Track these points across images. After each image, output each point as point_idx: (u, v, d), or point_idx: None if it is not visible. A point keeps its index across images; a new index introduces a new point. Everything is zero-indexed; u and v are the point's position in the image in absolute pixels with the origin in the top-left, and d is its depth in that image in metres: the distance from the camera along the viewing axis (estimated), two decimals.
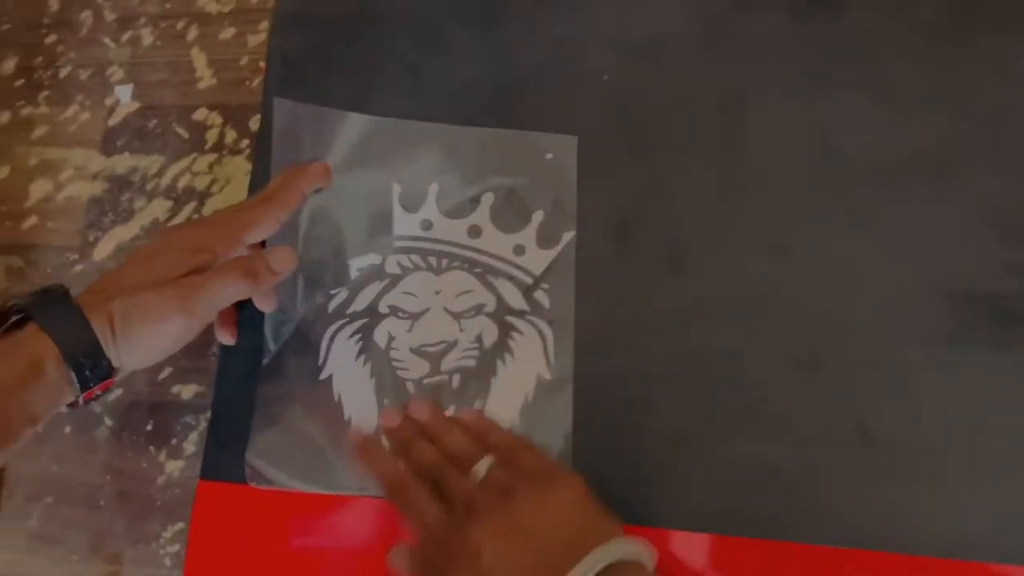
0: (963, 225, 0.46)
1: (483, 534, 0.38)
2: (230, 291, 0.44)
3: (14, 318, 0.41)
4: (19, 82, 0.61)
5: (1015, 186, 0.46)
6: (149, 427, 0.52)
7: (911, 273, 0.46)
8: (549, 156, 0.51)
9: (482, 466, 0.42)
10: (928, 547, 0.42)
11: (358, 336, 0.50)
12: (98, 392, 0.43)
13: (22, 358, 0.40)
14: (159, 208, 0.56)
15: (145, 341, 0.43)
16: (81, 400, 0.43)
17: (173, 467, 0.52)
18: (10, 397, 0.40)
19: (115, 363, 0.43)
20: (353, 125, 0.52)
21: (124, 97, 0.59)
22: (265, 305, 0.50)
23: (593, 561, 0.36)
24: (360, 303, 0.51)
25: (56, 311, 0.41)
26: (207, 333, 0.49)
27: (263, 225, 0.47)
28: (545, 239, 0.50)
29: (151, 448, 0.52)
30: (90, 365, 0.41)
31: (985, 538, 0.42)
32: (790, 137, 0.48)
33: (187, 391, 0.53)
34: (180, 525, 0.50)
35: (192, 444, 0.52)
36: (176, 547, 0.50)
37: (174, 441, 0.52)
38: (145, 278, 0.43)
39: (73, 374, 0.41)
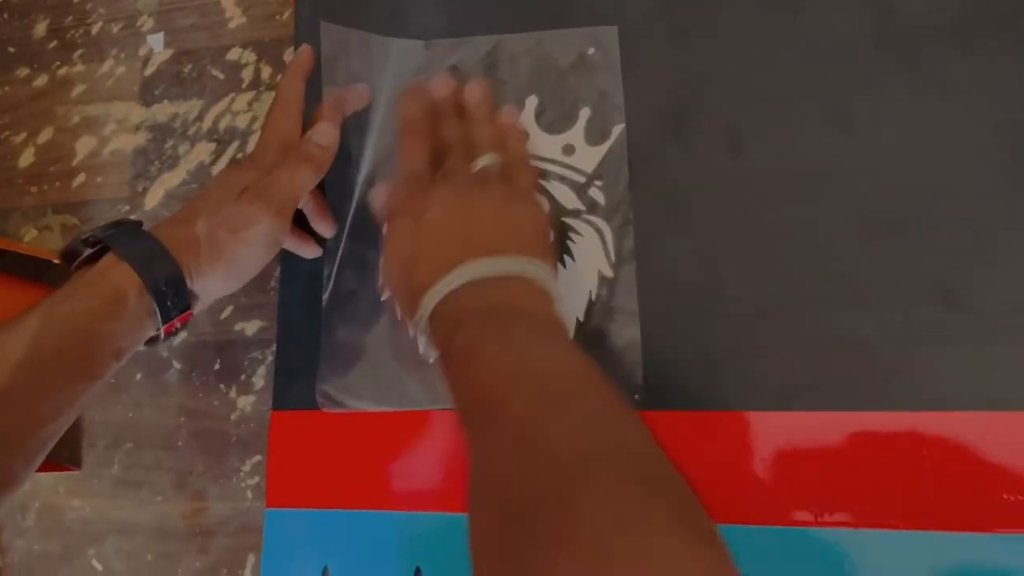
0: None
1: (440, 196, 0.42)
2: (300, 178, 0.45)
3: (89, 250, 0.41)
4: (52, 44, 0.61)
5: None
6: (217, 366, 0.53)
7: (982, 130, 0.44)
8: (591, 51, 0.50)
9: (484, 159, 0.45)
10: (1019, 403, 0.40)
11: None
12: (178, 325, 0.42)
13: (104, 288, 0.39)
14: (203, 151, 0.56)
15: (238, 253, 0.43)
16: (162, 333, 0.42)
17: (245, 402, 0.52)
18: (95, 329, 0.39)
19: (197, 290, 0.42)
20: (400, 51, 0.52)
21: (157, 46, 0.59)
22: (324, 229, 0.49)
23: (508, 262, 0.39)
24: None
25: (134, 241, 0.41)
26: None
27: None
28: (594, 135, 0.49)
29: (221, 386, 0.53)
30: (172, 294, 0.41)
31: None
32: (844, 1, 0.46)
33: (251, 327, 0.53)
34: (257, 458, 0.51)
35: (261, 378, 0.52)
36: (256, 479, 0.51)
37: (243, 377, 0.52)
38: (218, 196, 0.43)
39: (155, 304, 0.40)
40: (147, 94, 0.58)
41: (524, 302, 0.39)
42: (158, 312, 0.41)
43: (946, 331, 0.42)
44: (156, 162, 0.57)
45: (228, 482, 0.51)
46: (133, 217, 0.55)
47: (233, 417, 0.52)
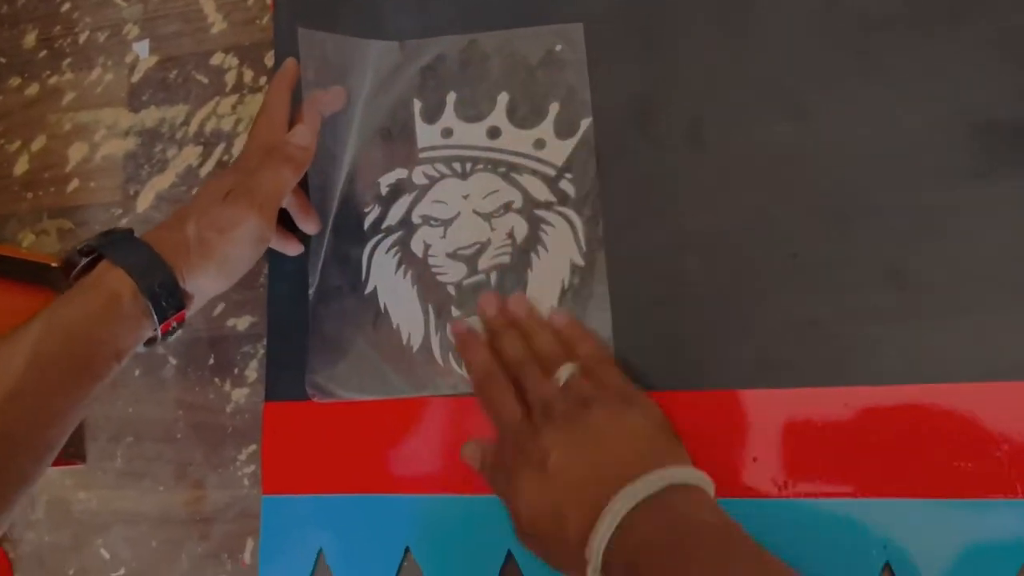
0: (976, 58, 0.45)
1: (554, 438, 0.40)
2: (282, 178, 0.46)
3: (84, 260, 0.43)
4: (42, 53, 0.63)
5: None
6: (211, 361, 0.55)
7: (929, 113, 0.45)
8: (558, 47, 0.51)
9: (564, 372, 0.43)
10: (968, 374, 0.42)
11: (396, 248, 0.52)
12: (174, 324, 0.44)
13: (100, 293, 0.41)
14: (191, 154, 0.58)
15: (227, 252, 0.44)
16: (159, 333, 0.44)
17: (239, 395, 0.54)
18: (94, 332, 0.40)
19: (190, 290, 0.44)
20: (376, 52, 0.53)
21: (143, 53, 0.61)
22: (309, 227, 0.52)
23: (656, 478, 0.37)
24: (393, 217, 0.52)
25: (126, 247, 0.43)
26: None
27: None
28: (563, 130, 0.51)
29: (216, 380, 0.55)
30: (165, 295, 0.42)
31: (1018, 358, 0.42)
32: None
33: (242, 323, 0.55)
34: (253, 447, 0.53)
35: (253, 371, 0.54)
36: (252, 467, 0.53)
37: (236, 371, 0.55)
38: (205, 201, 0.45)
39: (150, 305, 0.42)
40: (135, 100, 0.60)
41: (696, 512, 0.37)
42: (154, 313, 0.42)
43: (895, 310, 0.44)
44: (146, 166, 0.59)
45: (226, 471, 0.54)
46: (125, 221, 0.58)
47: (228, 409, 0.54)
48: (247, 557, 0.52)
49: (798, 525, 0.43)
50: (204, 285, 0.45)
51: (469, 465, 0.46)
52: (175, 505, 0.54)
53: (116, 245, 0.43)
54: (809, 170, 0.46)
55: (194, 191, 0.58)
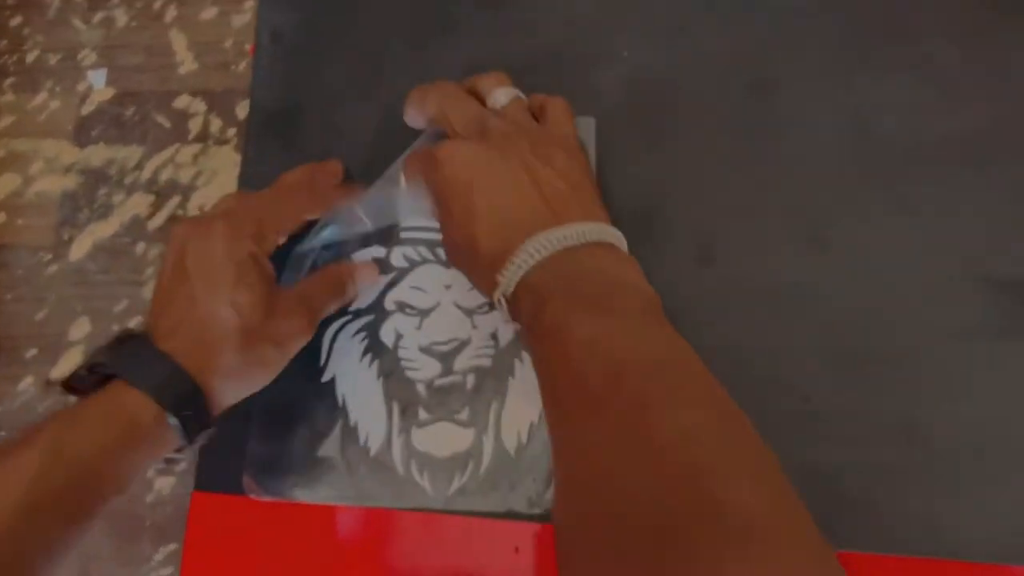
0: (1008, 212, 0.43)
1: (486, 155, 0.39)
2: (334, 301, 0.44)
3: (94, 380, 0.37)
4: None
5: None
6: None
7: (955, 262, 0.43)
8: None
9: (500, 93, 0.43)
10: (986, 553, 0.39)
11: (363, 334, 0.47)
12: (201, 439, 0.39)
13: (118, 420, 0.36)
14: (140, 203, 0.52)
15: (274, 367, 0.41)
16: (187, 445, 0.39)
17: (163, 484, 0.48)
18: (107, 468, 0.35)
19: (219, 405, 0.39)
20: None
21: (98, 83, 0.55)
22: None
23: (575, 232, 0.36)
24: (364, 299, 0.47)
25: (147, 365, 0.37)
26: None
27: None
28: None
29: None
30: (194, 418, 0.37)
31: None
32: (824, 120, 0.45)
33: None
34: (173, 546, 0.47)
35: (184, 460, 0.48)
36: (169, 570, 0.46)
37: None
38: (243, 295, 0.39)
39: (178, 425, 0.37)
40: (82, 134, 0.54)
41: (617, 271, 0.37)
42: (181, 431, 0.37)
43: (912, 471, 0.40)
44: (86, 209, 0.53)
45: (136, 571, 0.47)
46: (55, 268, 0.52)
47: (148, 499, 0.48)
48: None
49: None
50: (235, 396, 0.40)
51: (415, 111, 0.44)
52: None
53: (134, 363, 0.37)
54: (825, 307, 0.43)
55: (139, 246, 0.51)
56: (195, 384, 0.37)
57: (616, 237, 0.38)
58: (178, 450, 0.39)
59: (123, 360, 0.37)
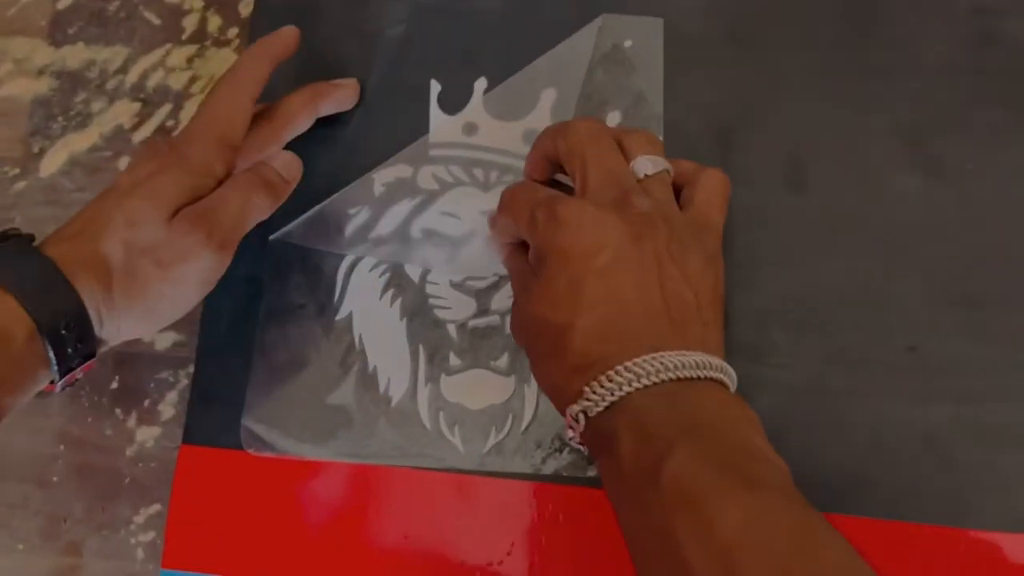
0: None
1: (619, 231, 0.33)
2: (254, 209, 0.38)
3: None
4: None
5: None
6: (114, 385, 0.44)
7: None
8: (628, 43, 0.43)
9: (649, 162, 0.36)
10: None
11: (383, 267, 0.42)
12: (79, 375, 0.36)
13: None
14: (123, 111, 0.47)
15: (164, 292, 0.36)
16: (59, 386, 0.35)
17: (146, 435, 0.43)
18: None
19: (105, 333, 0.36)
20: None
21: None
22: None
23: (679, 362, 0.31)
24: (386, 226, 0.43)
25: (25, 267, 0.34)
26: None
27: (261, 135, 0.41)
28: None
29: (117, 411, 0.44)
30: (72, 340, 0.34)
31: None
32: (936, 24, 0.41)
33: (162, 340, 0.44)
34: (156, 507, 0.42)
35: (170, 406, 0.43)
36: (151, 535, 0.42)
37: (147, 403, 0.43)
38: (140, 209, 0.35)
39: (51, 350, 0.34)
40: (58, 32, 0.49)
41: (745, 429, 0.31)
42: (55, 360, 0.34)
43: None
44: (61, 118, 0.47)
45: (114, 535, 0.42)
46: (23, 185, 0.47)
47: (129, 452, 0.43)
48: None
49: None
50: (124, 327, 0.36)
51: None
52: (37, 573, 0.42)
53: (10, 262, 0.34)
54: (937, 240, 0.39)
55: (122, 161, 0.46)
56: (77, 297, 0.34)
57: (732, 378, 0.33)
58: (48, 387, 0.36)
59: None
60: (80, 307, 0.34)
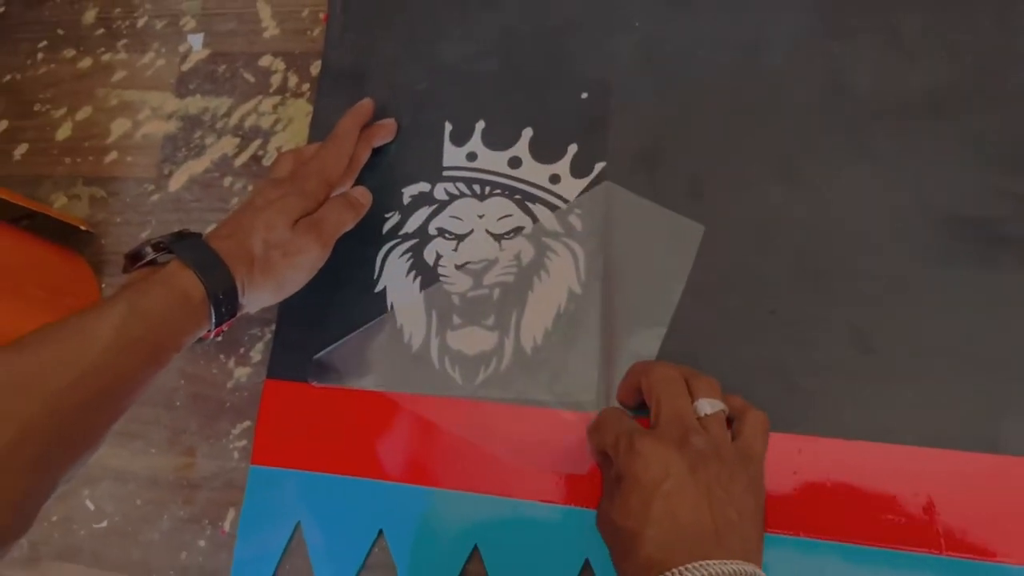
0: (957, 157, 0.50)
1: (679, 466, 0.41)
2: (345, 221, 0.52)
3: (153, 255, 0.46)
4: (99, 31, 0.67)
5: (1004, 122, 0.50)
6: (220, 338, 0.58)
7: (910, 198, 0.50)
8: (584, 95, 0.56)
9: (708, 404, 0.44)
10: (915, 438, 0.47)
11: (409, 254, 0.56)
12: (224, 329, 0.48)
13: (176, 290, 0.44)
14: (228, 144, 0.62)
15: (287, 275, 0.48)
16: (211, 335, 0.47)
17: (241, 373, 0.57)
18: (169, 324, 0.43)
19: (244, 301, 0.48)
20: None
21: (196, 45, 0.65)
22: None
23: (736, 571, 0.37)
24: (411, 225, 0.56)
25: (199, 252, 0.46)
26: None
27: (346, 186, 0.55)
28: (579, 168, 0.55)
29: (221, 356, 0.58)
30: (226, 303, 0.46)
31: (959, 429, 0.47)
32: (805, 78, 0.53)
33: None
34: (247, 423, 0.56)
35: (258, 353, 0.57)
36: (243, 442, 0.56)
37: (242, 350, 0.58)
38: (271, 219, 0.48)
39: (212, 309, 0.45)
40: (182, 87, 0.64)
41: None
42: (213, 317, 0.46)
43: (857, 371, 0.48)
44: (184, 149, 0.63)
45: (218, 443, 0.56)
46: (156, 198, 0.62)
47: (229, 385, 0.57)
48: (227, 526, 0.55)
49: None
50: (257, 298, 0.48)
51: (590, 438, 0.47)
52: (164, 469, 0.57)
53: (189, 248, 0.46)
54: (794, 233, 0.51)
55: (226, 180, 0.61)
56: (230, 275, 0.46)
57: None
58: (201, 338, 0.47)
59: (181, 245, 0.46)
60: (232, 283, 0.46)
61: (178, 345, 0.45)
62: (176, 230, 0.49)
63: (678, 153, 0.54)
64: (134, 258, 0.47)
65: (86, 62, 0.67)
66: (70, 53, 0.67)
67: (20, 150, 0.66)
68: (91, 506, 0.57)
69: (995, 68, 0.51)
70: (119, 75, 0.66)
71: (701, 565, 0.37)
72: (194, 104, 0.64)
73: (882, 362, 0.48)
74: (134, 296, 0.43)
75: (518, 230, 0.55)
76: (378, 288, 0.56)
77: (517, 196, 0.56)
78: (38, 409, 0.38)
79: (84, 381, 0.39)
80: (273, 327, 0.57)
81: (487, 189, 0.56)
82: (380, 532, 0.51)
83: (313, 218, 0.50)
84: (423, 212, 0.57)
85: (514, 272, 0.54)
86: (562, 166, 0.56)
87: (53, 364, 0.39)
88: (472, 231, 0.56)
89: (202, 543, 0.54)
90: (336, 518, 0.52)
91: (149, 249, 0.47)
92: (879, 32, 0.53)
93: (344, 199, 0.53)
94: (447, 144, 0.57)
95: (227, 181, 0.61)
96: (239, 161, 0.62)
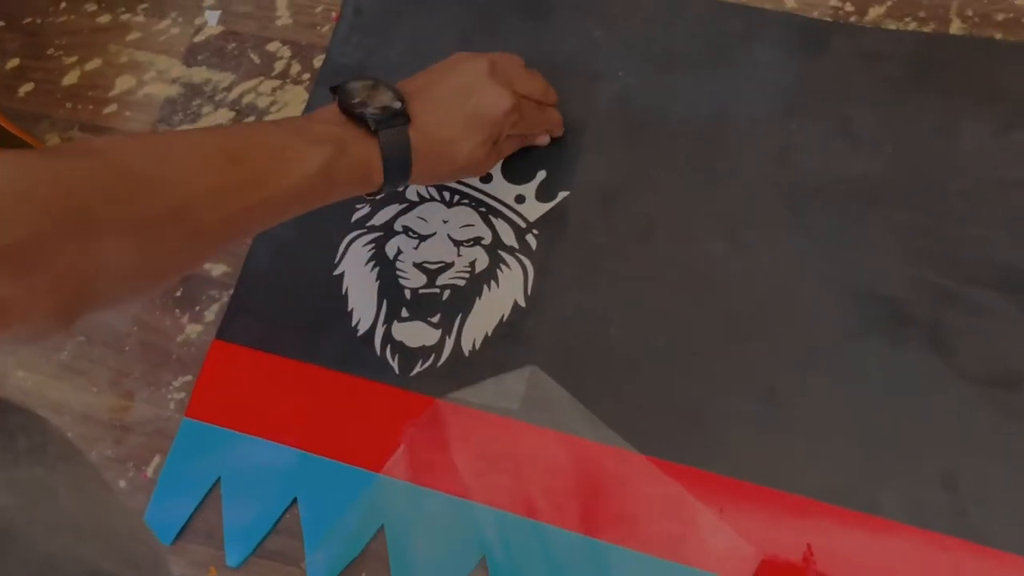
0: (882, 242, 0.53)
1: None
2: (516, 147, 0.58)
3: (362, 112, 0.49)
4: None
5: (929, 220, 0.54)
6: (179, 293, 0.61)
7: (835, 272, 0.54)
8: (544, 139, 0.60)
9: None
10: (801, 487, 0.50)
11: (372, 245, 0.59)
12: (383, 194, 0.52)
13: (363, 170, 0.48)
14: (223, 116, 0.65)
15: (447, 179, 0.58)
16: (377, 195, 0.51)
17: (192, 329, 0.60)
18: (338, 187, 0.48)
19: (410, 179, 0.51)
20: None
21: (212, 20, 0.68)
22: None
23: None
24: (379, 219, 0.60)
25: (399, 149, 0.49)
26: None
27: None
28: (544, 194, 0.59)
29: (176, 310, 0.61)
30: (395, 181, 0.50)
31: (845, 487, 0.50)
32: (759, 149, 0.57)
33: (217, 269, 0.61)
34: (188, 378, 0.59)
35: (212, 314, 0.60)
36: (182, 395, 0.58)
37: (197, 308, 0.60)
38: (479, 159, 0.53)
39: (385, 184, 0.50)
40: (190, 57, 0.68)
41: None
42: (382, 189, 0.50)
43: (766, 419, 0.52)
44: (180, 113, 0.66)
45: (157, 391, 0.59)
46: None
47: (179, 339, 0.60)
48: (150, 472, 0.57)
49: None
50: (418, 179, 0.52)
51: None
52: (101, 408, 0.59)
53: (395, 143, 0.49)
54: (725, 287, 0.55)
55: None
56: (408, 175, 0.50)
57: None
58: (368, 195, 0.52)
59: (390, 134, 0.49)
60: (405, 180, 0.50)
61: (339, 197, 0.49)
62: (382, 87, 0.50)
63: (636, 196, 0.58)
64: (338, 93, 0.50)
65: (105, 17, 0.70)
66: (92, 8, 0.71)
67: (26, 87, 0.69)
68: None
69: (932, 172, 0.55)
70: (134, 35, 0.69)
71: None
72: (199, 74, 0.67)
73: (786, 416, 0.51)
74: (336, 153, 0.47)
75: (478, 240, 0.58)
76: (337, 271, 0.59)
77: (483, 209, 0.59)
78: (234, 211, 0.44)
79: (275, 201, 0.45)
80: (231, 292, 0.60)
81: (456, 197, 0.60)
82: (294, 500, 0.54)
83: (505, 143, 0.55)
84: (392, 208, 0.60)
85: (466, 277, 0.58)
86: (529, 188, 0.59)
87: (263, 174, 0.45)
88: (435, 233, 0.59)
89: (123, 483, 0.57)
90: (254, 480, 0.55)
91: (356, 106, 0.49)
92: (833, 119, 0.57)
93: (548, 126, 0.59)
94: None
95: None
96: None
